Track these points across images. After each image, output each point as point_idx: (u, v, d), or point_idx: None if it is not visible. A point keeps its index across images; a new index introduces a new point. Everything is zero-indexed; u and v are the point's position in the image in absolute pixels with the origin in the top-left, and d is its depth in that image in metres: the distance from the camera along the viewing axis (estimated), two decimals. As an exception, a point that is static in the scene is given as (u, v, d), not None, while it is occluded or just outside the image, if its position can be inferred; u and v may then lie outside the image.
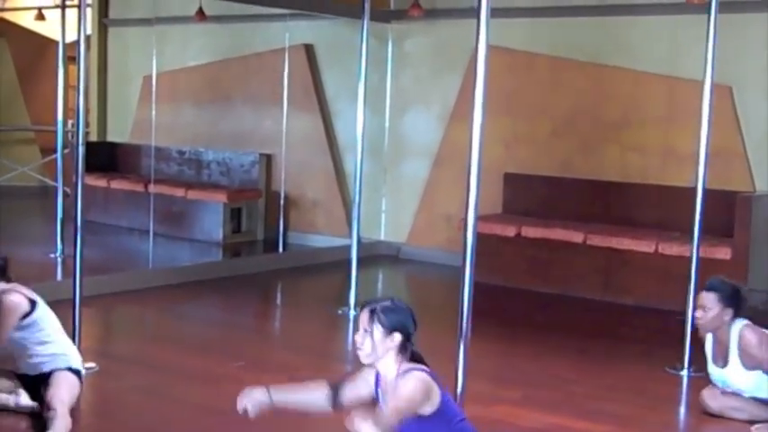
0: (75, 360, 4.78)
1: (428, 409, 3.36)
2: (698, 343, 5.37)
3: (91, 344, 5.77)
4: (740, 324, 4.89)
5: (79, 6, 5.45)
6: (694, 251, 5.76)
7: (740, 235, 7.21)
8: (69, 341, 4.91)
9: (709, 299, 4.87)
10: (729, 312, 4.87)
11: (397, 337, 3.42)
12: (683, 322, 5.71)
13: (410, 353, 3.48)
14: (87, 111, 5.66)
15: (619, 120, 8.34)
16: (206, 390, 5.17)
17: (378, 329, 3.41)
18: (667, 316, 6.88)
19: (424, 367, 3.43)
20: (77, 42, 5.41)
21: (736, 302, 4.88)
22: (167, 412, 4.84)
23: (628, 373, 5.76)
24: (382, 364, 3.45)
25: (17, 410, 4.54)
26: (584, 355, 6.15)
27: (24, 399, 4.58)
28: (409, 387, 3.33)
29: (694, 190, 5.79)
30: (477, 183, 3.84)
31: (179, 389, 5.17)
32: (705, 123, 5.76)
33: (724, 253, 7.13)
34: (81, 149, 5.39)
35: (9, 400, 4.57)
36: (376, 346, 3.41)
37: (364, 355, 3.45)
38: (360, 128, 7.20)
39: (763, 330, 4.89)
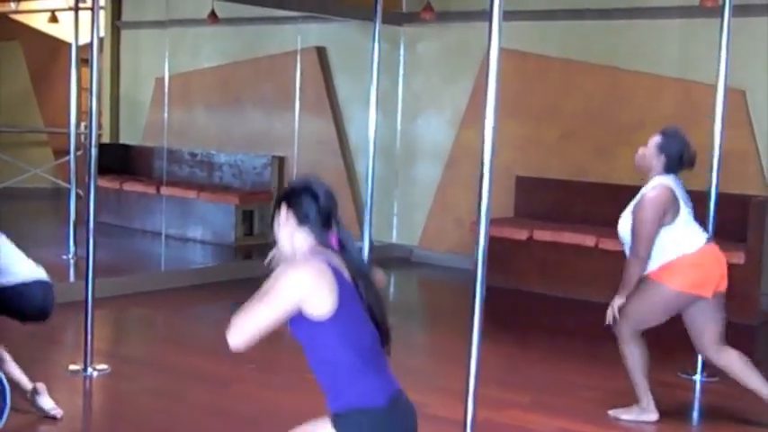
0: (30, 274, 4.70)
1: (316, 311, 2.69)
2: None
3: (103, 346, 5.80)
4: (660, 179, 4.87)
5: (92, 9, 5.48)
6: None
7: (753, 239, 7.18)
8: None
9: (653, 140, 4.94)
10: (662, 160, 4.89)
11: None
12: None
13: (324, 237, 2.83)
14: (100, 113, 5.67)
15: (631, 123, 8.31)
16: (217, 392, 5.18)
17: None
18: (680, 321, 6.84)
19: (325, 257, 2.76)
20: (90, 45, 5.44)
21: (671, 154, 4.88)
22: (178, 414, 4.85)
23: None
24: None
25: None
26: (595, 359, 6.13)
27: None
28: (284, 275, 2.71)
29: (708, 194, 5.77)
30: (490, 186, 3.82)
31: (190, 391, 5.18)
32: (718, 127, 5.75)
33: (737, 257, 7.08)
34: (94, 151, 5.41)
35: None
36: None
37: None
38: (372, 130, 7.20)
39: (672, 197, 4.82)
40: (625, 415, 4.98)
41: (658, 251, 4.85)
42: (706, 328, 4.93)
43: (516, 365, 5.97)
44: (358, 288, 2.81)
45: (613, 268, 7.73)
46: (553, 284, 8.05)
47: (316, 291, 2.69)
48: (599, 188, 8.37)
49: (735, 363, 4.91)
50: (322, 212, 2.82)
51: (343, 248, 2.85)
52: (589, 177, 8.46)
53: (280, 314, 2.70)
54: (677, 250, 4.82)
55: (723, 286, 4.90)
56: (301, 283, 2.69)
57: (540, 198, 8.66)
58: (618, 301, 4.99)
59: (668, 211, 4.83)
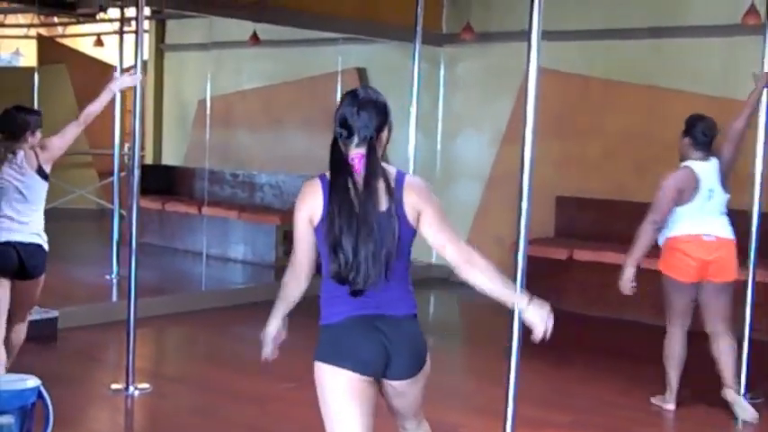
0: None
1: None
2: (758, 369, 5.29)
3: (144, 365, 5.85)
4: (688, 162, 5.49)
5: (137, 32, 5.57)
6: (750, 275, 5.68)
7: (798, 259, 7.07)
8: None
9: None
10: (687, 142, 5.54)
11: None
12: (740, 348, 5.61)
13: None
14: (143, 134, 5.76)
15: (672, 142, 8.18)
16: (257, 411, 5.20)
17: None
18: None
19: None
20: (134, 67, 5.52)
21: (691, 133, 5.52)
22: (217, 433, 4.88)
23: (682, 399, 5.66)
24: None
25: None
26: (636, 380, 6.07)
27: None
28: None
29: (750, 213, 5.71)
30: (528, 205, 3.82)
31: (230, 410, 5.21)
32: (761, 145, 5.68)
33: (782, 277, 7.00)
34: (137, 172, 5.49)
35: None
36: None
37: None
38: (411, 150, 7.21)
39: (692, 178, 5.38)
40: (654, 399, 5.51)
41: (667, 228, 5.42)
42: (704, 312, 5.47)
43: (556, 385, 5.93)
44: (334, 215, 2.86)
45: (653, 288, 7.69)
46: (593, 304, 7.99)
47: (305, 207, 3.00)
48: (640, 207, 8.25)
49: (719, 352, 5.41)
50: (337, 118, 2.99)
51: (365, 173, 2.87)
52: (630, 197, 8.39)
53: (297, 234, 3.11)
54: (669, 232, 5.42)
55: (715, 278, 5.35)
56: (298, 201, 3.06)
57: (580, 218, 8.62)
58: (627, 268, 5.53)
59: (684, 191, 5.35)
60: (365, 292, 2.94)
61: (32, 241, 4.86)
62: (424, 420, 3.39)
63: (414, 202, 2.95)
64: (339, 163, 2.94)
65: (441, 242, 3.02)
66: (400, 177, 2.95)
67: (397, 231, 2.91)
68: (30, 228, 4.86)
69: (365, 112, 2.95)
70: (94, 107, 5.09)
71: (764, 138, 5.68)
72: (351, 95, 2.99)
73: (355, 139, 2.94)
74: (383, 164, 2.96)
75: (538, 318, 3.13)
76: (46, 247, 4.92)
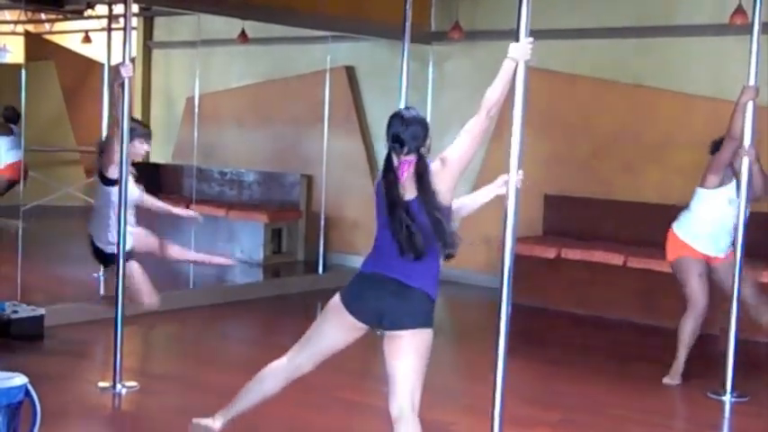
0: None
1: None
2: (741, 367, 5.32)
3: (132, 363, 5.84)
4: None
5: (125, 29, 5.55)
6: (736, 274, 5.70)
7: (784, 258, 7.11)
8: None
9: None
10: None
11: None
12: (726, 346, 5.64)
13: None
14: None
15: (661, 141, 8.29)
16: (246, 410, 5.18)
17: None
18: (709, 340, 6.80)
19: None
20: (122, 63, 5.49)
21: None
22: None
23: (668, 397, 5.70)
24: None
25: None
26: (625, 378, 6.09)
27: None
28: None
29: (737, 212, 5.73)
30: (516, 204, 3.83)
31: (216, 408, 5.15)
32: (749, 142, 5.70)
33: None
34: (124, 169, 5.46)
35: None
36: None
37: None
38: (399, 149, 7.22)
39: (727, 166, 5.85)
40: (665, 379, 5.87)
41: None
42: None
43: (544, 384, 5.94)
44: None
45: (641, 286, 7.75)
46: (581, 303, 8.02)
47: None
48: (628, 206, 8.34)
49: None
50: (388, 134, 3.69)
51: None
52: (618, 196, 8.43)
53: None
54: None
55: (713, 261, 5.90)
56: None
57: (568, 216, 8.64)
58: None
59: (718, 175, 5.86)
60: (397, 259, 3.62)
61: None
62: (416, 419, 3.67)
63: (438, 173, 3.68)
64: (388, 167, 3.67)
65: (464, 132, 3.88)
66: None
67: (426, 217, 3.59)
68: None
69: (411, 127, 3.70)
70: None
71: (751, 139, 5.71)
72: (398, 116, 3.74)
73: (405, 149, 3.64)
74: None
75: (520, 52, 3.88)
76: None
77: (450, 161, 3.68)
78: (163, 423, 5.03)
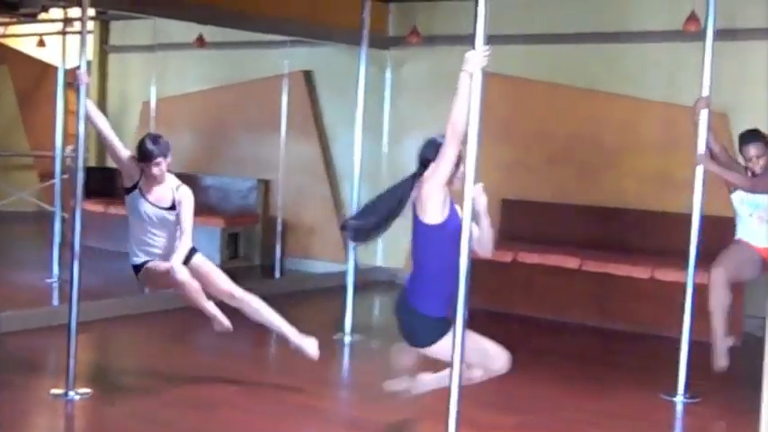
0: None
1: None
2: (696, 369, 5.39)
3: (86, 369, 5.77)
4: None
5: (81, 33, 5.48)
6: (690, 277, 5.77)
7: (736, 261, 7.20)
8: None
9: (760, 147, 5.88)
10: None
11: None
12: (679, 348, 5.70)
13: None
14: (87, 136, 5.71)
15: (616, 146, 8.37)
16: (200, 416, 5.15)
17: None
18: (663, 342, 6.89)
19: None
20: (78, 68, 5.43)
21: None
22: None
23: (623, 399, 5.75)
24: None
25: None
26: (580, 381, 6.14)
27: None
28: None
29: (691, 216, 5.80)
30: (472, 207, 3.84)
31: (173, 415, 5.15)
32: (702, 150, 5.78)
33: (721, 279, 7.13)
34: (80, 175, 5.42)
35: None
36: None
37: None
38: (357, 154, 7.22)
39: None
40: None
41: None
42: None
43: (501, 387, 5.91)
44: None
45: (597, 290, 7.82)
46: (537, 306, 8.07)
47: None
48: (584, 210, 8.41)
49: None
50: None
51: None
52: (574, 200, 8.50)
53: None
54: None
55: None
56: None
57: (525, 221, 8.70)
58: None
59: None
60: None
61: None
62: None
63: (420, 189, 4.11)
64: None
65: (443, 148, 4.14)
66: None
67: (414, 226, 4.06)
68: None
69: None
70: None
71: (705, 145, 5.78)
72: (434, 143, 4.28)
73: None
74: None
75: (475, 62, 3.81)
76: None
77: (423, 181, 4.07)
78: (117, 430, 4.98)
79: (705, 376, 5.87)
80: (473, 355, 4.11)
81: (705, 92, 5.71)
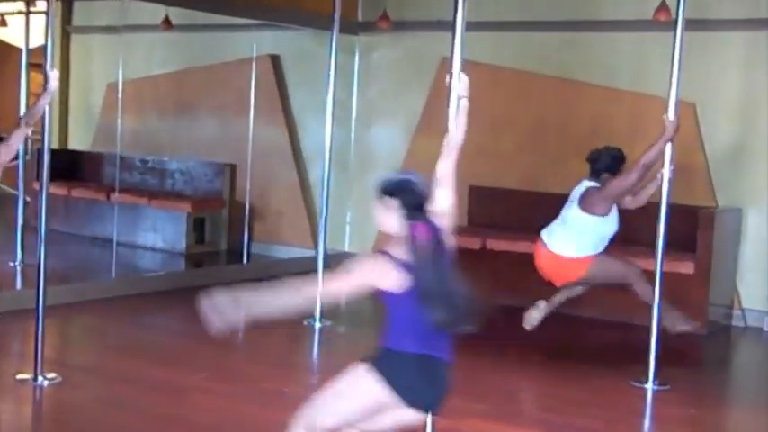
0: None
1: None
2: (665, 356, 5.44)
3: (52, 354, 5.69)
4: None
5: (47, 13, 5.38)
6: (658, 265, 5.81)
7: (703, 250, 7.28)
8: None
9: None
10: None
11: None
12: (648, 335, 5.75)
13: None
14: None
15: (585, 134, 8.39)
16: (169, 401, 5.11)
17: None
18: (632, 329, 6.94)
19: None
20: (44, 49, 5.33)
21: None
22: (130, 424, 4.78)
23: (593, 386, 5.79)
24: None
25: None
26: (549, 368, 6.18)
27: None
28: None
29: (658, 205, 5.84)
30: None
31: (142, 400, 5.11)
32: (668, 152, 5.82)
33: (687, 267, 7.21)
34: (46, 157, 5.34)
35: None
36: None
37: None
38: (327, 140, 7.18)
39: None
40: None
41: None
42: None
43: (472, 374, 5.96)
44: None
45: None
46: (506, 293, 8.07)
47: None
48: (552, 198, 8.40)
49: None
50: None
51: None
52: (542, 188, 8.52)
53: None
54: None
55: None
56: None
57: (493, 208, 8.71)
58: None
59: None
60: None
61: None
62: None
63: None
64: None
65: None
66: None
67: None
68: None
69: None
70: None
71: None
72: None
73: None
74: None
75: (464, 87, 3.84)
76: None
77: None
78: (87, 416, 4.93)
79: (674, 363, 5.94)
80: None
81: (674, 82, 5.74)
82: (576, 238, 5.92)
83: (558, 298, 6.25)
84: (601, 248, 5.95)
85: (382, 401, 3.28)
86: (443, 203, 3.50)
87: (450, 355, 3.40)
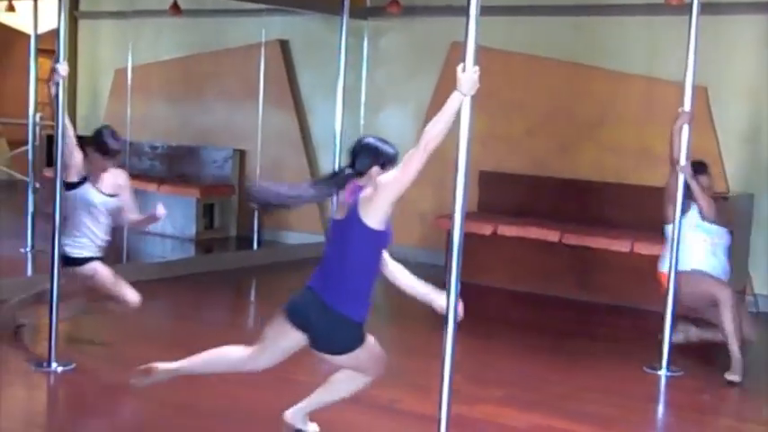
0: None
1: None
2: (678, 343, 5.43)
3: (65, 340, 5.69)
4: None
5: (59, 1, 5.36)
6: (672, 252, 5.78)
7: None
8: None
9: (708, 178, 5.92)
10: None
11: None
12: (662, 321, 5.73)
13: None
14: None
15: (595, 119, 8.37)
16: (180, 387, 5.08)
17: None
18: (644, 315, 6.93)
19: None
20: (57, 34, 5.35)
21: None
22: (142, 410, 4.79)
23: (606, 373, 5.78)
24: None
25: None
26: (562, 354, 6.16)
27: None
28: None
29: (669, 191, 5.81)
30: (466, 182, 3.83)
31: (154, 386, 5.09)
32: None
33: (699, 253, 7.17)
34: (60, 142, 5.33)
35: None
36: None
37: None
38: (338, 125, 7.16)
39: None
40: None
41: None
42: None
43: (485, 361, 5.97)
44: None
45: (577, 263, 7.84)
46: (518, 279, 8.07)
47: None
48: (563, 183, 8.41)
49: None
50: None
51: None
52: (553, 173, 8.50)
53: None
54: None
55: None
56: None
57: (503, 193, 8.69)
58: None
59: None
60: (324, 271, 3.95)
61: None
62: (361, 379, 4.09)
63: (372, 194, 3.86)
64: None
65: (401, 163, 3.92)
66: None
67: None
68: None
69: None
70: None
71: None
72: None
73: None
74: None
75: (469, 85, 3.82)
76: None
77: (380, 186, 3.82)
78: (97, 401, 4.93)
79: (687, 349, 5.91)
80: (368, 361, 4.02)
81: (690, 66, 5.69)
82: None
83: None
84: None
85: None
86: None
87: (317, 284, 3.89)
